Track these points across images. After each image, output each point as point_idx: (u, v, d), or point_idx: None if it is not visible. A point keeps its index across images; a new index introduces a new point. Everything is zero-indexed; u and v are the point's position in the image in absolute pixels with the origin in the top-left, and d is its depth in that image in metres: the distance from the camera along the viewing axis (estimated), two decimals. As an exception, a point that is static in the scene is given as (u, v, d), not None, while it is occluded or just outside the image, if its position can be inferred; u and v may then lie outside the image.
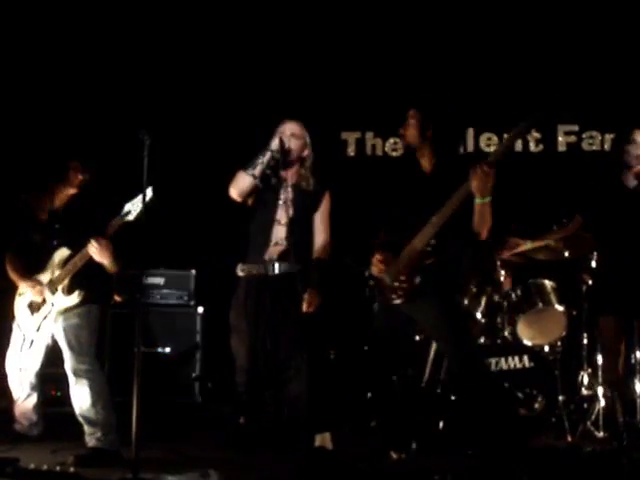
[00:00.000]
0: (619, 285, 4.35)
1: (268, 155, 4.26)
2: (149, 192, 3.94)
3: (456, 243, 3.88)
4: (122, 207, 4.15)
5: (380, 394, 4.20)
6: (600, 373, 5.11)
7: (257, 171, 4.25)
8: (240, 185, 4.29)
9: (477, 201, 3.67)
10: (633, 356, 5.03)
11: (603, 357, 4.64)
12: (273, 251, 4.29)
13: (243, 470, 4.08)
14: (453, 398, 4.78)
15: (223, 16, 6.39)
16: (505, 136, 6.06)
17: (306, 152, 4.41)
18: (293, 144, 4.33)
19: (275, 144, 4.27)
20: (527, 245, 5.04)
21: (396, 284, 3.84)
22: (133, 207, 4.11)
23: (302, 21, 6.39)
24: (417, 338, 5.23)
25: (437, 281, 3.81)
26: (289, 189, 4.31)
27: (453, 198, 3.69)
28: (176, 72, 6.42)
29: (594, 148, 6.38)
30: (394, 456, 4.02)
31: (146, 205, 3.89)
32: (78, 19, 6.25)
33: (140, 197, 3.96)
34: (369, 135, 6.62)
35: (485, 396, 3.85)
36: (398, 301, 3.86)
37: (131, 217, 4.12)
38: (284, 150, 4.25)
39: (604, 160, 6.19)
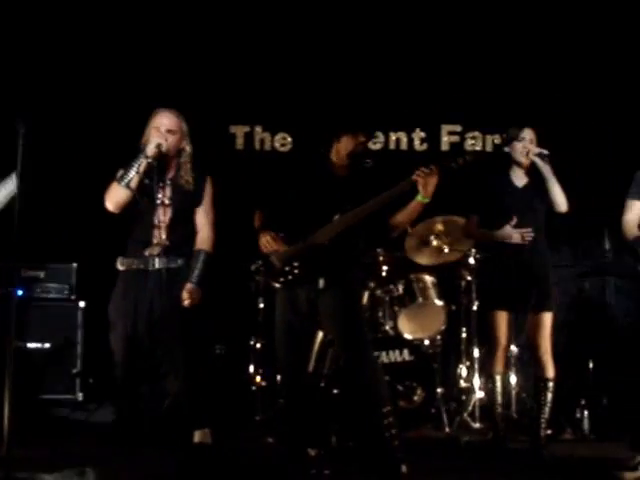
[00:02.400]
0: (510, 281, 4.47)
1: (144, 163, 4.01)
2: (14, 181, 3.81)
3: (365, 240, 4.01)
4: None
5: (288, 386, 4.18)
6: (478, 366, 5.30)
7: (133, 182, 4.02)
8: (116, 199, 4.08)
9: (420, 199, 3.86)
10: (509, 350, 5.24)
11: (488, 350, 4.73)
12: (154, 249, 4.17)
13: (121, 467, 4.02)
14: (336, 391, 4.83)
15: (109, 7, 6.26)
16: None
17: (183, 144, 4.18)
18: (170, 141, 4.10)
19: (151, 149, 4.02)
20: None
21: (286, 268, 3.92)
22: None
23: (191, 12, 6.32)
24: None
25: (344, 276, 3.92)
26: (167, 189, 4.16)
27: (380, 198, 3.82)
28: (56, 62, 6.24)
29: (476, 148, 6.56)
30: (312, 453, 3.99)
31: (13, 196, 3.80)
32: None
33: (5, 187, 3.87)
34: (258, 129, 6.62)
35: (371, 393, 3.88)
36: (280, 285, 3.95)
37: None
38: (161, 155, 4.04)
39: (491, 158, 6.39)
